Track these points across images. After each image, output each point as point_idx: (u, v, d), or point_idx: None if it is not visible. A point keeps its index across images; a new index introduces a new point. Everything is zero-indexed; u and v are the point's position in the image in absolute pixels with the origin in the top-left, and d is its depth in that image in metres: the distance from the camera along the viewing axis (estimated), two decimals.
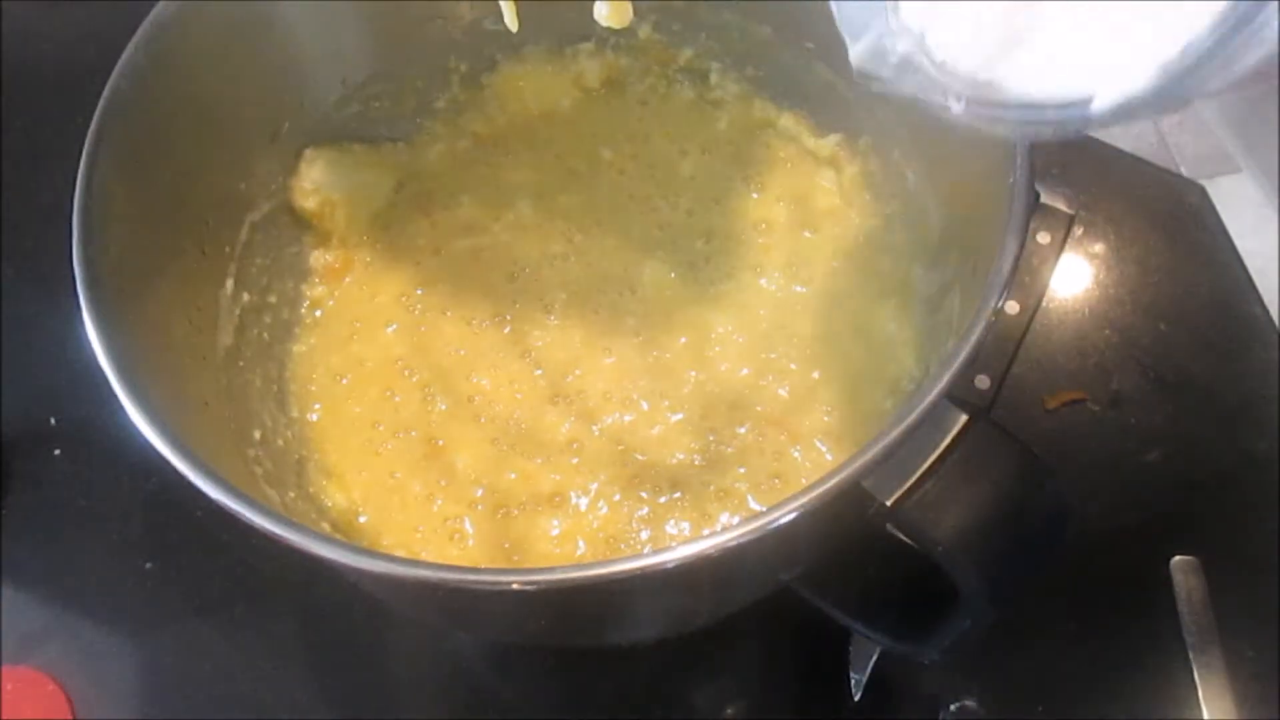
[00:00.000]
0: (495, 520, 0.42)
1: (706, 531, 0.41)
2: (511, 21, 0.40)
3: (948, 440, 0.30)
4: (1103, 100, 0.20)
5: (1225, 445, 0.51)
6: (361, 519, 0.42)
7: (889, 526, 0.31)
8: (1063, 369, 0.53)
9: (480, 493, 0.43)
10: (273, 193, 0.45)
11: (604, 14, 0.39)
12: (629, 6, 0.38)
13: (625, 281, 0.47)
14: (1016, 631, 0.46)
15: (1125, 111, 0.20)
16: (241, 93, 0.42)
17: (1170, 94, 0.19)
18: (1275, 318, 0.54)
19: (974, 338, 0.29)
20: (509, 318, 0.47)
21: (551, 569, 0.26)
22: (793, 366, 0.44)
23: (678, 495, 0.42)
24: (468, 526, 0.42)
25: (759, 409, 0.44)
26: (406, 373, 0.46)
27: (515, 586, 0.26)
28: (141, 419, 0.29)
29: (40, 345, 0.55)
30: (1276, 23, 0.18)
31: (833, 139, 0.48)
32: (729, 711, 0.47)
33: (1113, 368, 0.53)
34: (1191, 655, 0.45)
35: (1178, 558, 0.47)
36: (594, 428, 0.44)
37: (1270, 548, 0.48)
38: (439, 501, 0.43)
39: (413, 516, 0.42)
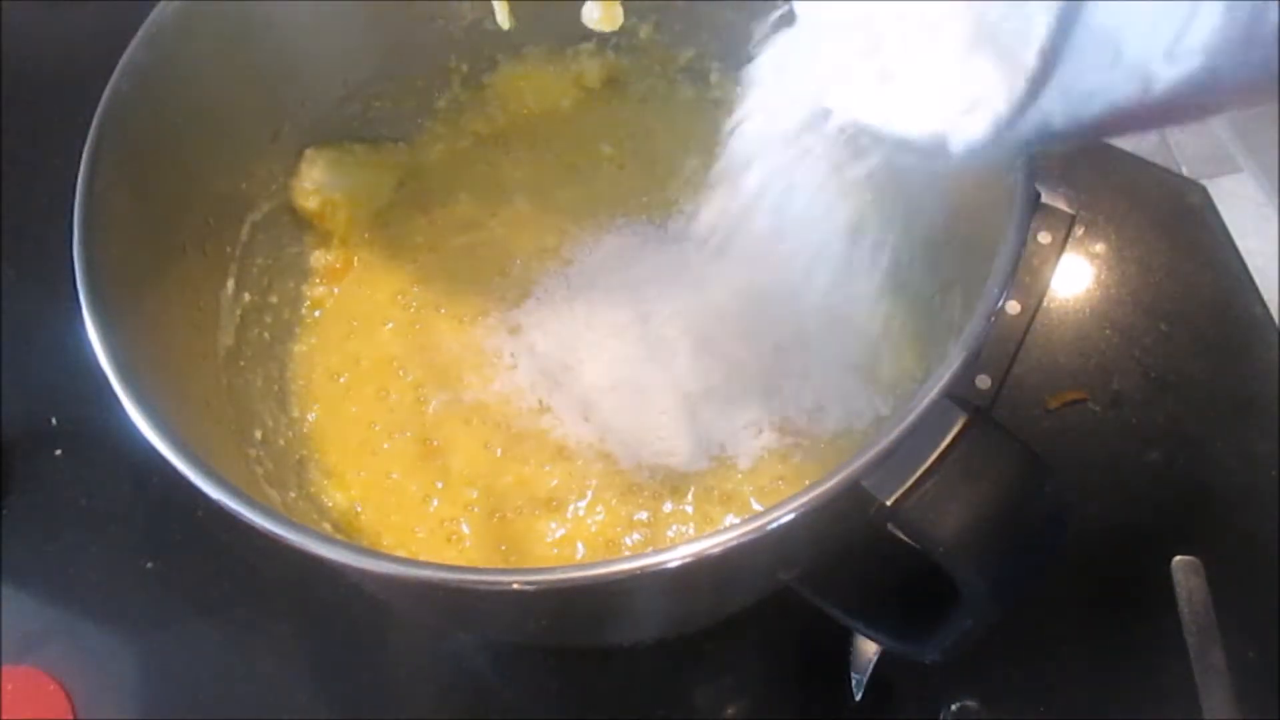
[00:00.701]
0: (491, 523, 0.42)
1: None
2: (504, 20, 0.40)
3: (948, 440, 0.30)
4: (954, 144, 0.25)
5: (1225, 445, 0.51)
6: (362, 519, 0.42)
7: (889, 526, 0.31)
8: (1063, 369, 0.53)
9: (475, 494, 0.42)
10: (273, 193, 0.45)
11: (594, 17, 0.38)
12: (619, 8, 0.38)
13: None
14: (1018, 631, 0.46)
15: (974, 154, 0.25)
16: (242, 93, 0.42)
17: (1006, 143, 0.24)
18: (1275, 317, 0.54)
19: (974, 338, 0.29)
20: (503, 313, 0.47)
21: (553, 569, 0.26)
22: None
23: (679, 497, 0.42)
24: (465, 529, 0.42)
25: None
26: (401, 372, 0.46)
27: (516, 587, 0.26)
28: (142, 420, 0.29)
29: (41, 345, 0.55)
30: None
31: None
32: (730, 711, 0.47)
33: (1113, 368, 0.53)
34: (1192, 655, 0.45)
35: (1178, 558, 0.47)
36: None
37: (1271, 548, 0.48)
38: (435, 503, 0.43)
39: (410, 518, 0.42)
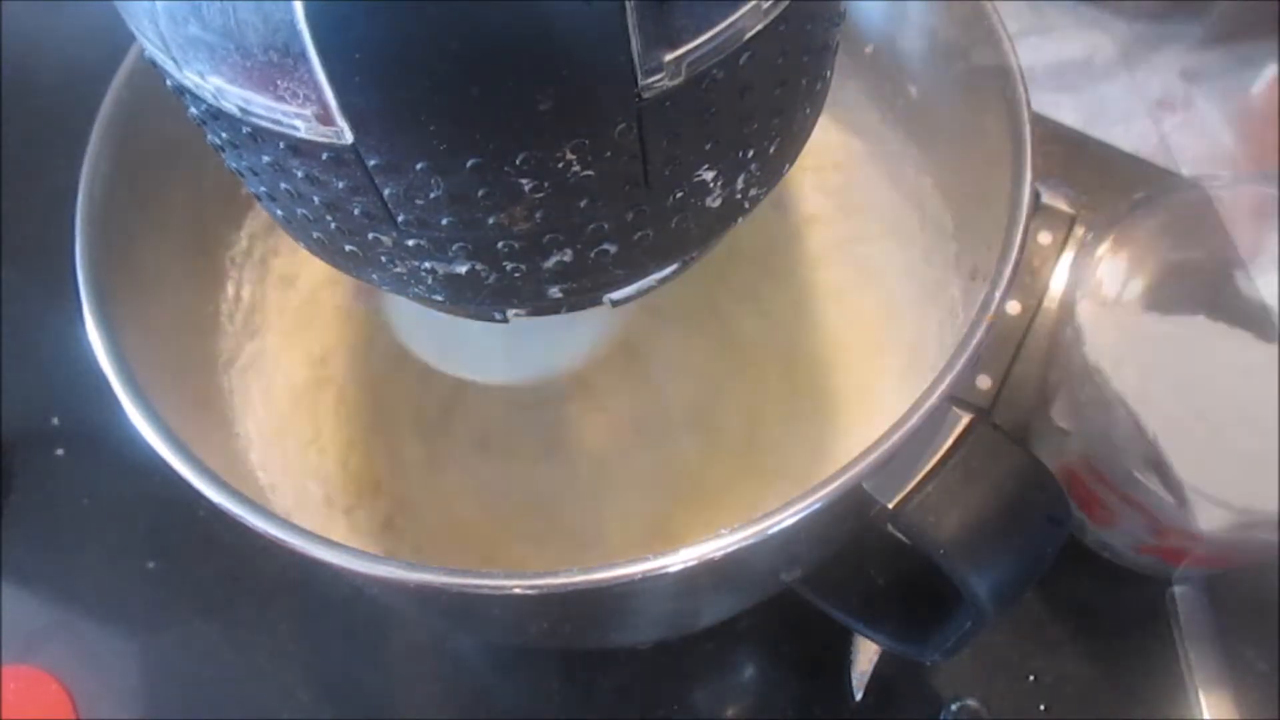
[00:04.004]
0: (486, 536, 0.42)
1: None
2: None
3: (949, 443, 0.30)
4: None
5: None
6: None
7: (890, 528, 0.31)
8: None
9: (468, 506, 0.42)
10: None
11: None
12: None
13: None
14: (1019, 631, 0.46)
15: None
16: None
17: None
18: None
19: (975, 339, 0.29)
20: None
21: (555, 572, 0.26)
22: (800, 368, 0.44)
23: (683, 501, 0.42)
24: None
25: (768, 412, 0.43)
26: (394, 373, 0.45)
27: (518, 591, 0.26)
28: (143, 422, 0.29)
29: (43, 344, 0.55)
30: None
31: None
32: (730, 711, 0.47)
33: None
34: (1192, 655, 0.45)
35: (1177, 584, 0.47)
36: (591, 428, 0.44)
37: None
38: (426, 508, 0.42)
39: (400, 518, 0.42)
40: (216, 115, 0.22)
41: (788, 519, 0.26)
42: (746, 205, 0.26)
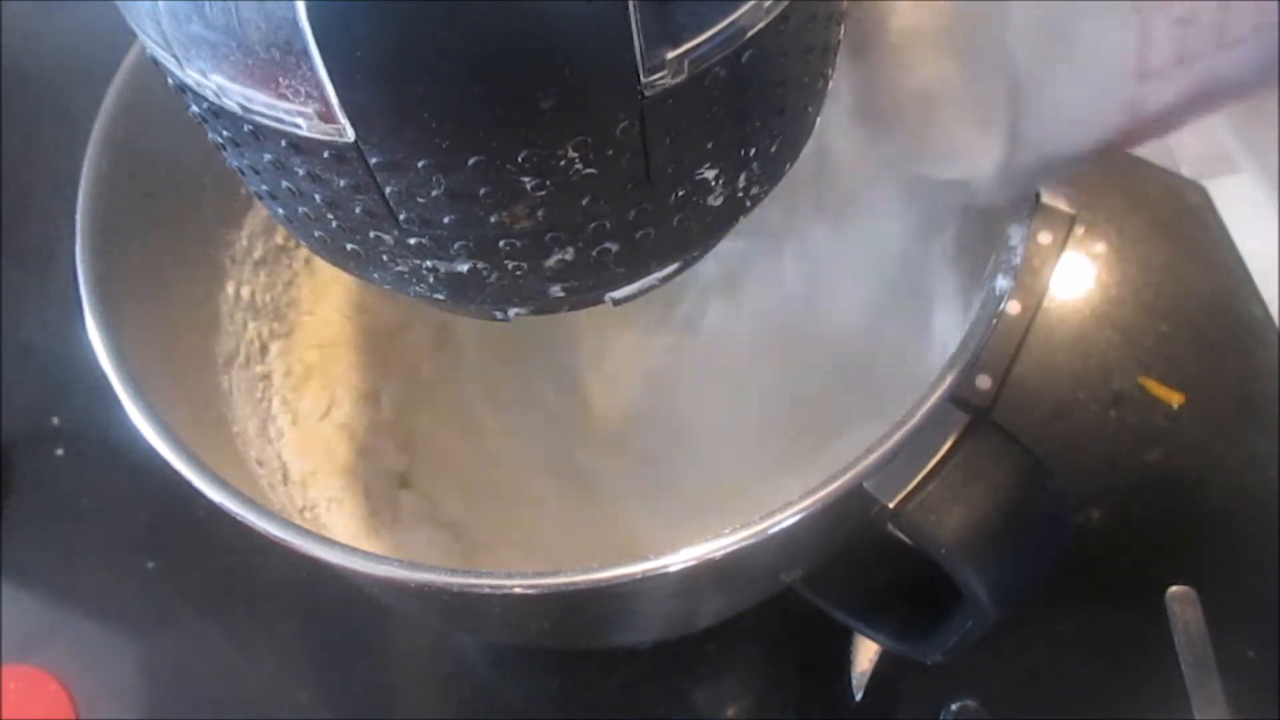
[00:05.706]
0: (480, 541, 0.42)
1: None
2: None
3: (950, 442, 0.30)
4: (974, 187, 0.28)
5: (1225, 445, 0.51)
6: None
7: (890, 528, 0.31)
8: (1063, 369, 0.53)
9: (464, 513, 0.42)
10: None
11: None
12: None
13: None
14: (1018, 632, 0.46)
15: (992, 193, 0.28)
16: None
17: (1018, 178, 0.27)
18: (1275, 318, 0.54)
19: (975, 340, 0.29)
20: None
21: (555, 572, 0.26)
22: (805, 369, 0.44)
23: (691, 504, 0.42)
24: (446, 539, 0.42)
25: (774, 414, 0.43)
26: (385, 375, 0.45)
27: (518, 590, 0.26)
28: (143, 422, 0.29)
29: (43, 344, 0.55)
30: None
31: None
32: (730, 711, 0.47)
33: (1113, 368, 0.53)
34: (1189, 688, 0.45)
35: (1173, 589, 0.47)
36: (598, 430, 0.44)
37: (1270, 547, 0.48)
38: (419, 513, 0.42)
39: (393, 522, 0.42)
40: (218, 113, 0.22)
41: (788, 519, 0.26)
42: (748, 204, 0.26)
